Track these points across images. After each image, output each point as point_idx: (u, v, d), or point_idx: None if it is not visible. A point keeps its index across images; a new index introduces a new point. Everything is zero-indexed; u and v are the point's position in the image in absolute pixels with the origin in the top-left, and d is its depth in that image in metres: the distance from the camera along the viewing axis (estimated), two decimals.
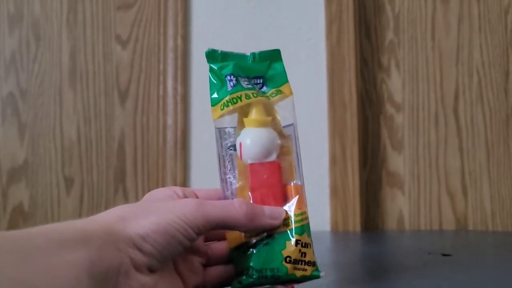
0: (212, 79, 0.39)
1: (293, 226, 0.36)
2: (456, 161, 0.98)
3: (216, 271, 0.37)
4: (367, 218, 0.99)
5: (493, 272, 0.49)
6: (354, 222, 0.94)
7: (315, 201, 0.94)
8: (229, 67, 0.38)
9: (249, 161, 0.37)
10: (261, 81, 0.40)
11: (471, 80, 1.00)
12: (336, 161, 0.95)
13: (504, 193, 0.97)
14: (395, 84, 1.02)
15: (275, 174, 0.37)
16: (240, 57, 0.40)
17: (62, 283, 0.25)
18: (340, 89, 0.97)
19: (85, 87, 1.04)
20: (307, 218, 0.37)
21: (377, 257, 0.60)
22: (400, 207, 0.99)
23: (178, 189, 0.36)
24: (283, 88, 0.39)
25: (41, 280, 0.24)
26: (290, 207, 0.37)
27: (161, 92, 1.02)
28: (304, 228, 0.36)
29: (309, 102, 0.97)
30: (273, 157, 0.37)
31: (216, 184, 0.39)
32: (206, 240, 0.38)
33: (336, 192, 0.95)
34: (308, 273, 0.36)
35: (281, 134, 0.38)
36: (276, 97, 0.39)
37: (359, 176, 0.95)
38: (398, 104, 1.01)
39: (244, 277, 0.36)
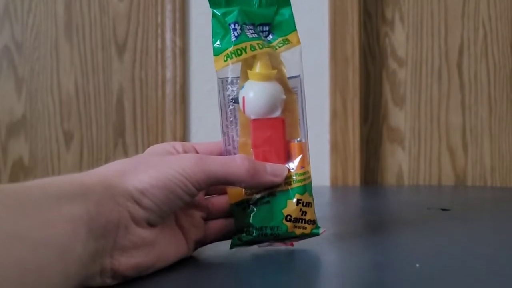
0: (215, 26, 0.37)
1: (295, 185, 0.36)
2: (458, 117, 0.98)
3: (217, 225, 0.37)
4: (366, 174, 0.99)
5: (492, 226, 0.50)
6: (354, 177, 0.94)
7: (315, 156, 0.93)
8: (234, 14, 0.36)
9: (252, 117, 0.36)
10: (267, 28, 0.37)
11: (477, 34, 0.97)
12: (337, 116, 0.95)
13: (504, 149, 0.97)
14: (399, 38, 0.99)
15: (279, 131, 0.36)
16: (245, 1, 0.37)
17: (60, 238, 0.24)
18: (343, 43, 0.95)
19: (81, 40, 1.02)
20: (309, 177, 0.36)
21: (376, 211, 0.61)
22: (399, 162, 0.99)
23: (178, 145, 0.36)
24: (290, 36, 0.37)
25: (38, 235, 0.23)
26: (293, 166, 0.36)
27: (159, 45, 0.99)
28: (306, 188, 0.36)
29: (310, 56, 0.95)
30: (277, 113, 0.36)
31: (216, 139, 0.38)
32: (207, 194, 0.38)
33: (336, 147, 0.95)
34: (307, 231, 0.36)
35: (286, 88, 0.37)
36: (283, 47, 0.37)
37: (360, 131, 0.95)
38: (401, 59, 0.99)
39: (244, 234, 0.36)
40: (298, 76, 0.37)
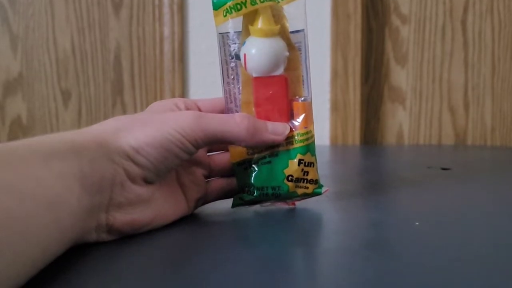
0: None
1: (297, 145, 0.35)
2: (460, 76, 0.97)
3: (218, 183, 0.37)
4: (366, 133, 0.99)
5: (492, 185, 0.50)
6: (354, 137, 0.94)
7: (315, 115, 0.92)
8: None
9: (254, 75, 0.35)
10: None
11: None
12: (337, 74, 0.93)
13: (506, 109, 0.96)
14: None
15: (282, 90, 0.35)
16: None
17: (49, 191, 0.24)
18: None
19: None
20: (312, 136, 0.36)
21: (376, 170, 0.61)
22: (400, 122, 0.99)
23: (180, 101, 0.35)
24: None
25: (24, 187, 0.22)
26: (296, 125, 0.36)
27: (156, 2, 0.97)
28: (309, 147, 0.35)
29: (311, 13, 0.92)
30: (280, 71, 0.35)
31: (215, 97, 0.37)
32: (210, 151, 0.37)
33: (337, 106, 0.94)
34: (309, 191, 0.36)
35: (289, 44, 0.35)
36: (286, 0, 0.35)
37: (361, 90, 0.94)
38: (404, 15, 0.97)
39: (245, 194, 0.36)
40: (302, 30, 0.36)
